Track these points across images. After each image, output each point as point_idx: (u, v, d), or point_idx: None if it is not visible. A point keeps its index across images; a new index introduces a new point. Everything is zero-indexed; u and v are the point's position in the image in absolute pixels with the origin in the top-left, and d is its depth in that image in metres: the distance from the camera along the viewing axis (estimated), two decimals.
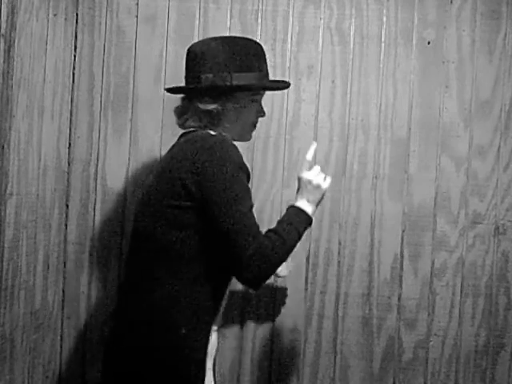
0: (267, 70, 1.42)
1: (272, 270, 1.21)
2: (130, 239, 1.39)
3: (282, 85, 1.50)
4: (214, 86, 1.33)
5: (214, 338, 1.34)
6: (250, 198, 1.25)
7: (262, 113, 1.43)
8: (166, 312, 1.25)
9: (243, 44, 1.38)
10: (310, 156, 1.38)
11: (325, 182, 1.35)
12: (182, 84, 1.42)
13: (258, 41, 1.45)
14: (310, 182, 1.33)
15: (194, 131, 1.35)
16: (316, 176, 1.34)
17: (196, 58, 1.36)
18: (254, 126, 1.43)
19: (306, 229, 1.30)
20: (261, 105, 1.43)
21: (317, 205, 1.35)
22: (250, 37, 1.54)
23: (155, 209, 1.28)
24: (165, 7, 1.85)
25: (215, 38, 1.40)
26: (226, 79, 1.33)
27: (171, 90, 1.44)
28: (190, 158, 1.24)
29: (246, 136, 1.43)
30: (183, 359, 1.24)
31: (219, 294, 1.31)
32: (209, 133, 1.31)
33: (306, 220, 1.30)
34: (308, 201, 1.33)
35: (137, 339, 1.26)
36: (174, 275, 1.26)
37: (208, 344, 1.28)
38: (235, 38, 1.44)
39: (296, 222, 1.28)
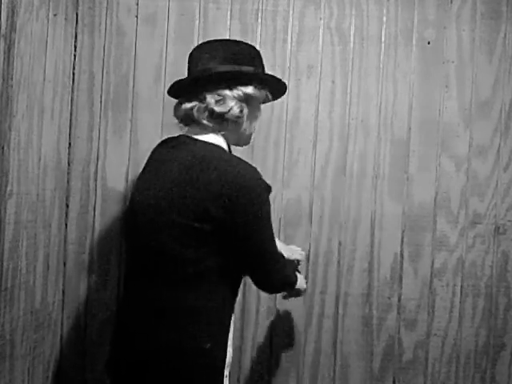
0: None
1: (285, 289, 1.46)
2: (135, 254, 1.33)
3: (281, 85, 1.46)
4: (224, 73, 1.29)
5: (230, 348, 1.34)
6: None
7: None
8: (189, 329, 1.23)
9: (245, 46, 1.38)
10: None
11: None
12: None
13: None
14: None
15: (201, 140, 1.31)
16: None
17: (206, 54, 1.33)
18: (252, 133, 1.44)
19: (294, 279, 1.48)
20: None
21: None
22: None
23: (170, 227, 1.22)
24: (165, 7, 1.85)
25: (219, 40, 1.38)
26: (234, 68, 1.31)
27: (176, 83, 1.37)
28: (215, 188, 1.19)
29: (247, 141, 1.41)
30: (205, 373, 1.25)
31: (233, 305, 1.33)
32: (232, 156, 1.27)
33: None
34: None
35: (161, 357, 1.24)
36: (195, 292, 1.24)
37: (227, 354, 1.29)
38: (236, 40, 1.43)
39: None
